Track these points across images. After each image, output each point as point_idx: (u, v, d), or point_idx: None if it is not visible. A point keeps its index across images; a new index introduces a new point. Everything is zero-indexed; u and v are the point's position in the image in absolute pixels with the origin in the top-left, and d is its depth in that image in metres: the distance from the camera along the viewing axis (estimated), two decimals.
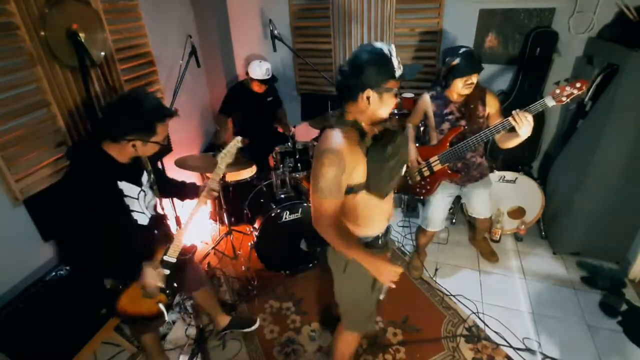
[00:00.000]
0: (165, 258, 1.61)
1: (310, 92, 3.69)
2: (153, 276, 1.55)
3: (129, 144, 1.37)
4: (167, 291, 1.64)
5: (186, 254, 1.73)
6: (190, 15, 3.17)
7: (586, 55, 2.63)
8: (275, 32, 2.75)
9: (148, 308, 1.63)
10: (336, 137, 1.21)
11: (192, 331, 2.26)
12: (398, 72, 1.17)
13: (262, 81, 2.96)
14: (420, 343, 2.13)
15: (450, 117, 2.11)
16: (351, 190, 1.27)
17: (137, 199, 1.52)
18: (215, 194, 1.73)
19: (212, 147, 3.51)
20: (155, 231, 1.65)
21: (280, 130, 3.36)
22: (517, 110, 1.75)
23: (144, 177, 1.58)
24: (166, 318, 1.68)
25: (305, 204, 2.50)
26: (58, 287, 1.85)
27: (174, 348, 2.17)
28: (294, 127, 2.80)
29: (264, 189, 2.77)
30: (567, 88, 1.70)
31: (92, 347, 1.91)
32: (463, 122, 2.08)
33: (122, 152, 1.41)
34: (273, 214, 2.44)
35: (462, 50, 1.92)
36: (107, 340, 2.08)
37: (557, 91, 1.71)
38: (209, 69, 3.41)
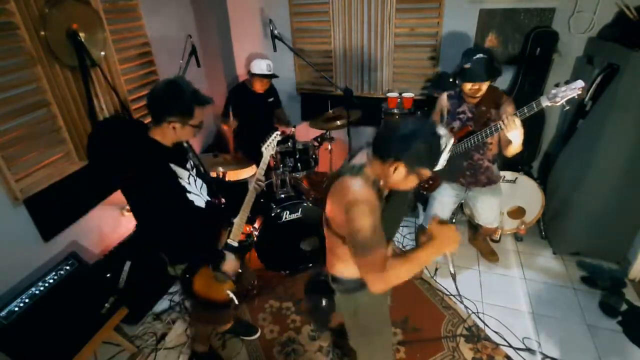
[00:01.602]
0: (229, 241, 1.69)
1: (310, 92, 3.70)
2: (234, 263, 1.63)
3: (169, 125, 1.43)
4: (234, 277, 1.69)
5: (246, 239, 1.84)
6: (190, 15, 3.17)
7: (586, 55, 2.64)
8: (276, 32, 2.75)
9: (218, 294, 1.69)
10: (361, 187, 1.16)
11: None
12: (438, 167, 1.14)
13: (263, 76, 2.95)
14: (420, 343, 2.13)
15: (461, 116, 2.13)
16: None
17: (189, 182, 1.57)
18: (262, 184, 1.87)
19: (212, 147, 3.51)
20: (215, 217, 1.71)
21: (280, 130, 3.35)
22: (507, 115, 1.81)
23: (189, 164, 1.62)
24: (236, 302, 1.73)
25: (305, 204, 2.50)
26: (58, 287, 1.85)
27: (174, 347, 2.17)
28: (294, 127, 2.80)
29: (264, 188, 2.76)
30: (563, 89, 1.70)
31: (92, 347, 1.91)
32: (471, 123, 2.10)
33: (165, 135, 1.48)
34: (273, 214, 2.44)
35: (477, 56, 1.93)
36: (107, 340, 2.07)
37: (553, 91, 1.72)
38: (209, 69, 3.41)
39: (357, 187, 1.16)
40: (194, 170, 1.63)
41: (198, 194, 1.61)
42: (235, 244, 1.70)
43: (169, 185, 1.49)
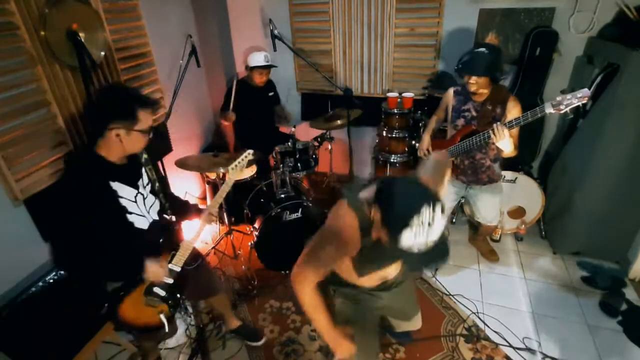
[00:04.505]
0: (170, 266, 1.57)
1: (310, 91, 3.70)
2: (157, 270, 1.51)
3: (113, 134, 1.34)
4: (170, 301, 1.58)
5: (192, 263, 1.68)
6: (190, 15, 3.17)
7: (586, 55, 2.63)
8: (276, 31, 2.75)
9: (149, 318, 1.57)
10: (348, 220, 1.18)
11: (192, 331, 2.26)
12: (408, 241, 0.95)
13: (262, 67, 2.95)
14: (419, 342, 2.12)
15: (466, 114, 2.13)
16: None
17: (135, 202, 1.50)
18: (214, 218, 1.71)
19: (212, 146, 3.51)
20: (159, 237, 1.61)
21: (281, 130, 3.35)
22: (498, 123, 1.82)
23: (142, 181, 1.55)
24: (166, 330, 1.59)
25: (305, 204, 2.50)
26: (58, 287, 1.85)
27: (174, 347, 2.17)
28: (294, 127, 2.80)
29: (264, 188, 2.77)
30: (569, 97, 1.70)
31: (93, 346, 1.91)
32: (475, 122, 2.10)
33: (110, 148, 1.39)
34: (273, 214, 2.44)
35: (479, 49, 1.95)
36: (108, 340, 2.07)
37: (558, 99, 1.72)
38: (209, 68, 3.41)
39: (343, 218, 1.19)
40: (148, 187, 1.56)
41: (143, 214, 1.53)
42: (177, 269, 1.57)
43: (106, 204, 1.40)
